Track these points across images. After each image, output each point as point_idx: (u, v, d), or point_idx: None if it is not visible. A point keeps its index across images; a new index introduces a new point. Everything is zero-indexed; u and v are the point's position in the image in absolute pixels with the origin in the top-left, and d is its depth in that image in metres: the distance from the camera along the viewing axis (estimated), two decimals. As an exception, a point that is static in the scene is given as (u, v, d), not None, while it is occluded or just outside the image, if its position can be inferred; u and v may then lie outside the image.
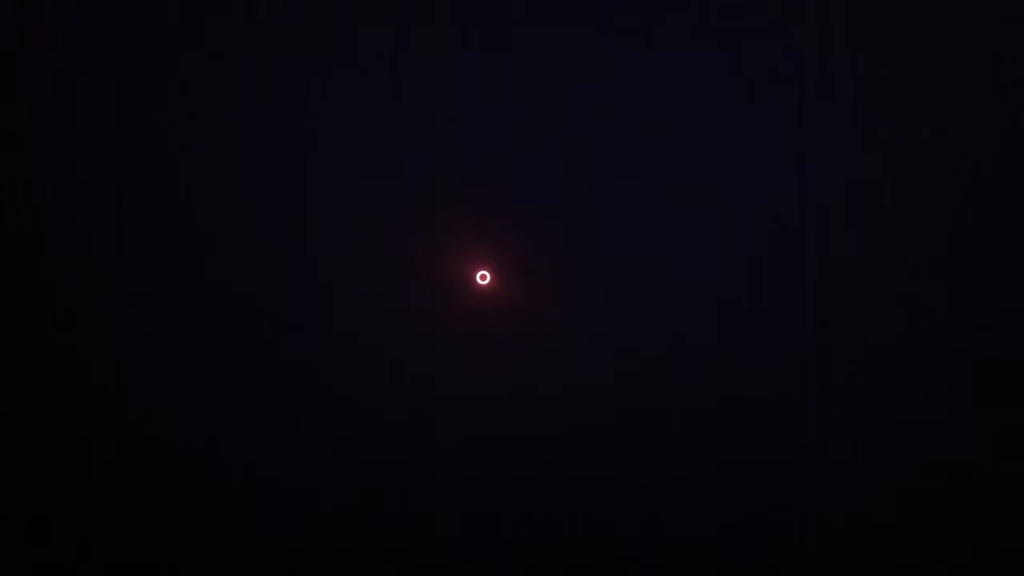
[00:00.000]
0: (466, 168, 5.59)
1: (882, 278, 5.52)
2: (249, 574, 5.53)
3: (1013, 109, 5.47)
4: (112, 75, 5.63)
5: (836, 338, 5.52)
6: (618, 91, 5.60)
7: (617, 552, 5.54)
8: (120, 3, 5.64)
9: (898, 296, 5.52)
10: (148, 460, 5.59)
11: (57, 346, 5.60)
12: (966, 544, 5.42)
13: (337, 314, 5.59)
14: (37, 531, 5.56)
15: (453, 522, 5.56)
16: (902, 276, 5.52)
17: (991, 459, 5.43)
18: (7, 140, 5.61)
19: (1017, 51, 5.45)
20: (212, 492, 5.58)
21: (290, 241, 5.61)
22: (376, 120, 5.61)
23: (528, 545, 5.55)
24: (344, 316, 5.60)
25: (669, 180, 5.59)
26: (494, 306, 5.52)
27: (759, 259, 5.56)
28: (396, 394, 5.58)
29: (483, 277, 5.53)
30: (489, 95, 5.60)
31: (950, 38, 5.51)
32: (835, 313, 5.53)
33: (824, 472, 5.51)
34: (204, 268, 5.62)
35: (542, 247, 5.57)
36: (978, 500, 5.43)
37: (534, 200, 5.58)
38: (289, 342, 5.59)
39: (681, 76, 5.58)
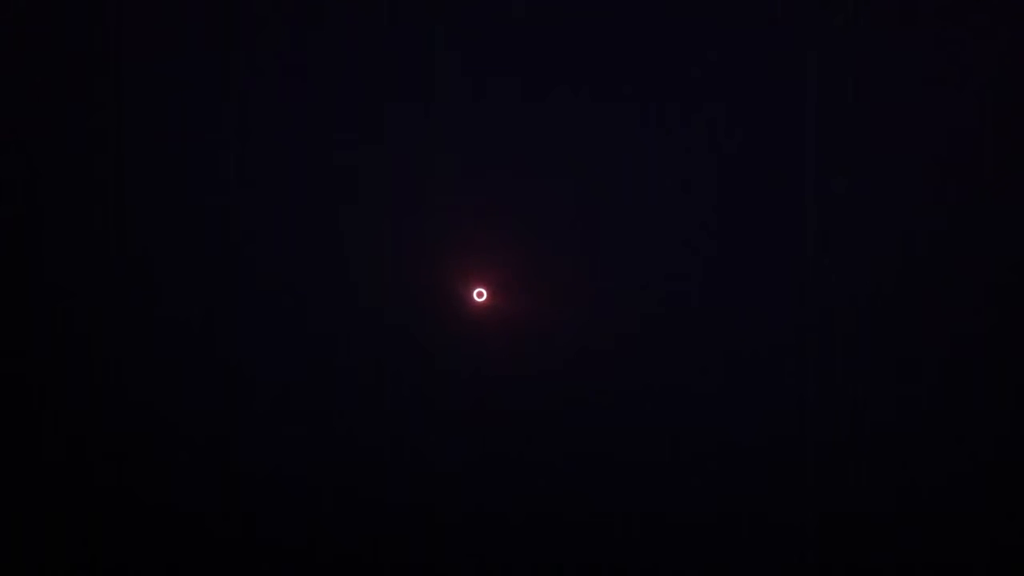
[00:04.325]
0: (464, 187, 5.61)
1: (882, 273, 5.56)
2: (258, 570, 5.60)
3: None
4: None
5: (836, 336, 5.56)
6: (618, 99, 5.63)
7: (617, 551, 5.58)
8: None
9: (897, 297, 5.56)
10: (148, 459, 5.64)
11: (54, 344, 5.65)
12: (965, 544, 5.45)
13: (336, 328, 5.62)
14: (37, 530, 5.60)
15: (452, 519, 5.62)
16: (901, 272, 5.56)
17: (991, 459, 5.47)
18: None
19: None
20: (213, 490, 5.63)
21: (289, 257, 5.62)
22: (376, 133, 5.65)
23: (524, 548, 5.60)
24: (343, 330, 5.63)
25: (665, 193, 5.62)
26: (490, 322, 5.56)
27: (759, 259, 5.58)
28: (394, 405, 5.63)
29: (480, 294, 5.57)
30: (488, 109, 5.63)
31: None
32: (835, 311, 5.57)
33: (824, 472, 5.54)
34: (203, 270, 5.66)
35: (538, 265, 5.59)
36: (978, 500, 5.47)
37: (531, 219, 5.61)
38: (289, 356, 5.62)
39: (680, 80, 5.62)
